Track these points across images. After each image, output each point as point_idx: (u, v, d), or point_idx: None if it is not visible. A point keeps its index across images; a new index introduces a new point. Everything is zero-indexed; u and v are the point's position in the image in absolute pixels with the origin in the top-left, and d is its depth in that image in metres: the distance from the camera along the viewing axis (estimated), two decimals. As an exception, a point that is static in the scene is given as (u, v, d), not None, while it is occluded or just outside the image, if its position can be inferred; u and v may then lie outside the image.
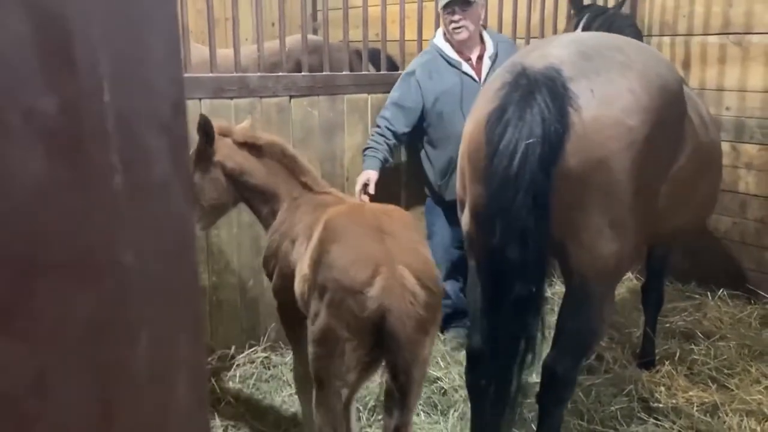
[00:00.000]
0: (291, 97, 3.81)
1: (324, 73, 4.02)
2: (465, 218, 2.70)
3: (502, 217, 2.33)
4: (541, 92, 2.30)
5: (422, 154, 4.01)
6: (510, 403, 2.57)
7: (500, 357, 2.53)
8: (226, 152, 2.78)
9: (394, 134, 3.79)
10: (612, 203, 2.38)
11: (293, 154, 2.88)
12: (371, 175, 3.62)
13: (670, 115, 2.54)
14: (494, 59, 3.85)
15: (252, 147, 2.82)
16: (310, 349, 2.34)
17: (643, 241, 2.72)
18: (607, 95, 2.36)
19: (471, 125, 2.60)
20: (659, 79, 2.51)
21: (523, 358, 2.54)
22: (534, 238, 2.33)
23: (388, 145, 3.75)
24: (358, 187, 3.60)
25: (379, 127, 3.80)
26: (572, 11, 4.30)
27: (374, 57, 4.36)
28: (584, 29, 3.91)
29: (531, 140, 2.26)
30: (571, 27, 4.07)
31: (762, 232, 4.61)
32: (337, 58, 4.19)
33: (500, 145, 2.31)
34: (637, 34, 3.92)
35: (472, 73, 3.83)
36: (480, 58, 3.87)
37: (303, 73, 3.89)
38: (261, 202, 2.86)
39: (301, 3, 3.91)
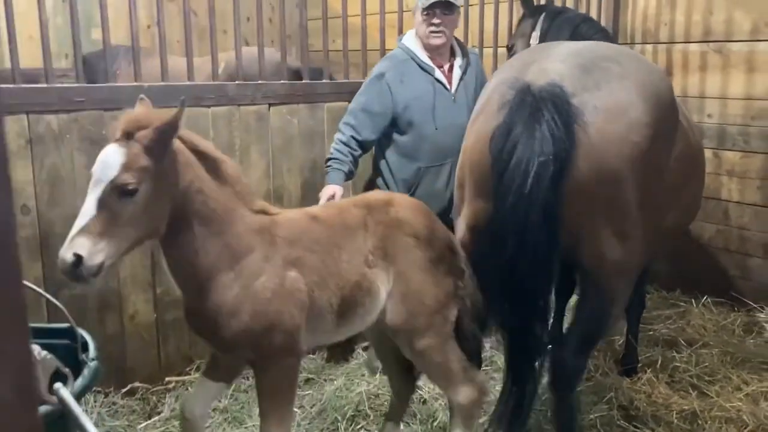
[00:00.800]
0: (270, 105, 3.80)
1: (303, 81, 4.02)
2: (460, 227, 2.71)
3: (515, 233, 2.34)
4: (548, 109, 2.31)
5: (382, 164, 3.72)
6: (522, 410, 2.63)
7: (510, 366, 2.61)
8: (183, 160, 2.17)
9: (360, 144, 3.53)
10: (619, 214, 2.44)
11: (245, 181, 2.42)
12: (336, 191, 3.35)
13: (666, 124, 2.58)
14: (465, 69, 3.72)
15: (207, 159, 2.26)
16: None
17: (651, 240, 2.75)
18: (610, 110, 2.38)
19: (472, 139, 2.58)
20: (655, 90, 2.56)
21: (532, 364, 2.62)
22: (545, 252, 2.36)
23: (353, 156, 3.50)
24: (322, 202, 3.27)
25: (343, 135, 3.51)
26: (525, 12, 4.17)
27: (315, 73, 4.25)
28: (542, 31, 3.89)
29: (542, 158, 2.27)
30: (528, 28, 4.02)
31: (745, 238, 4.61)
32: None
33: (510, 163, 2.31)
34: (609, 40, 3.87)
35: (444, 81, 3.65)
36: (451, 67, 3.72)
37: (282, 81, 3.88)
38: (211, 235, 2.22)
39: (279, 12, 3.91)
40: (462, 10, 4.48)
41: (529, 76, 2.44)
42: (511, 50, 4.19)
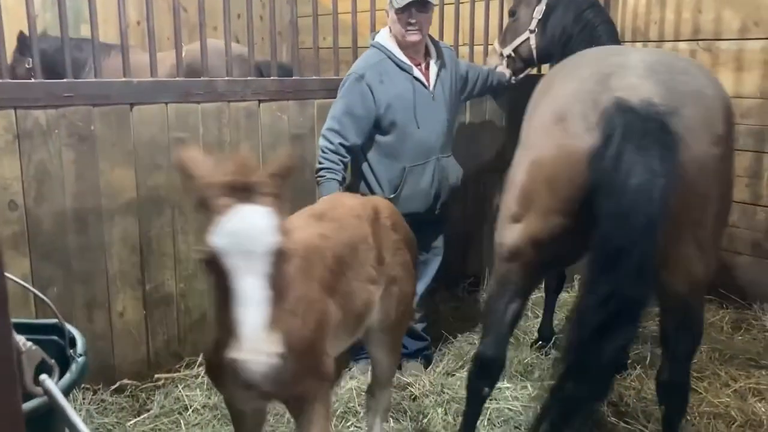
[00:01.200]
0: (260, 101, 3.79)
1: (294, 77, 4.02)
2: (514, 233, 2.63)
3: (641, 255, 2.24)
4: (657, 129, 2.26)
5: (364, 166, 3.63)
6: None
7: (582, 387, 2.46)
8: None
9: (348, 149, 3.46)
10: (703, 228, 2.43)
11: None
12: None
13: (732, 134, 2.60)
14: (440, 66, 3.68)
15: None
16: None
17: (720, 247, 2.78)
18: (698, 129, 2.37)
19: (554, 153, 2.48)
20: (725, 102, 2.56)
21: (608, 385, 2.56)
22: (653, 274, 2.31)
23: (343, 163, 3.45)
24: None
25: (331, 143, 3.44)
26: None
27: (265, 66, 4.19)
28: (549, 5, 3.88)
29: (663, 180, 2.22)
30: (532, 4, 3.98)
31: (734, 236, 4.63)
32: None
33: (631, 184, 2.22)
34: (613, 32, 3.86)
35: (423, 78, 3.61)
36: (427, 65, 3.66)
37: (272, 78, 3.87)
38: None
39: (269, 9, 3.90)
40: (453, 8, 4.50)
41: (618, 92, 2.36)
42: (513, 15, 4.16)
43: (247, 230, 1.62)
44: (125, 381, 3.55)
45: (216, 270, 1.63)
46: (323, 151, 3.45)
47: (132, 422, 3.31)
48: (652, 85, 2.39)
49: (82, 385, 3.37)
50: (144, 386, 3.58)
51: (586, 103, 2.43)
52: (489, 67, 4.22)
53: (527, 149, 2.67)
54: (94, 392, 3.44)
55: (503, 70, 4.20)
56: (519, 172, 2.65)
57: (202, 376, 3.66)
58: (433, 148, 3.62)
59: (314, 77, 4.03)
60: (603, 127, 2.32)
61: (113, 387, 3.51)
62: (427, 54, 3.69)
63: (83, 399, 3.38)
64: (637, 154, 2.23)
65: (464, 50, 4.67)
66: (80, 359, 2.09)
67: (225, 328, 1.67)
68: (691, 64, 2.71)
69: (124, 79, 3.44)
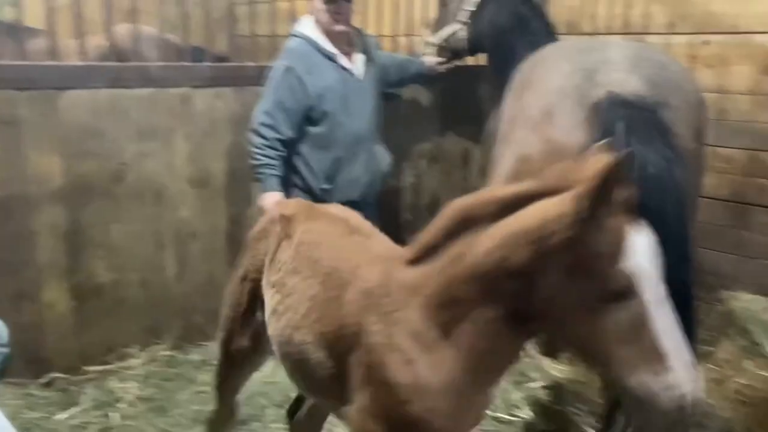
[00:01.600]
0: (195, 87, 3.71)
1: (231, 63, 3.96)
2: None
3: (678, 245, 2.19)
4: (656, 120, 2.28)
5: (296, 159, 3.54)
6: None
7: None
8: None
9: (284, 143, 3.40)
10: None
11: None
12: (280, 197, 3.31)
13: (706, 131, 2.65)
14: (366, 55, 3.66)
15: None
16: None
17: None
18: (682, 124, 2.40)
19: (540, 148, 2.45)
20: (700, 96, 2.62)
21: None
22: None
23: (281, 158, 3.39)
24: (270, 210, 3.03)
25: (265, 138, 3.37)
26: None
27: (197, 53, 4.11)
28: (480, 2, 3.89)
29: (678, 164, 2.23)
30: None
31: (701, 233, 4.71)
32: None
33: (649, 174, 2.19)
34: (548, 26, 3.90)
35: (351, 67, 3.57)
36: (353, 53, 3.62)
37: (208, 63, 3.81)
38: None
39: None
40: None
41: (609, 87, 2.37)
42: (445, 5, 4.16)
43: (654, 250, 1.45)
44: (55, 374, 3.45)
45: (618, 298, 1.41)
46: (258, 148, 3.38)
47: (61, 417, 3.21)
48: (638, 80, 2.41)
49: (9, 380, 3.25)
50: (75, 379, 3.48)
51: (573, 99, 2.43)
52: (411, 56, 4.22)
53: (511, 144, 2.63)
54: (22, 387, 3.33)
55: (431, 59, 4.21)
56: (503, 167, 2.61)
57: (136, 368, 3.59)
58: (364, 137, 3.62)
59: (251, 63, 3.98)
60: (599, 121, 2.31)
61: (42, 381, 3.41)
62: (352, 43, 3.66)
63: (10, 394, 3.26)
64: (645, 145, 2.23)
65: (403, 40, 4.68)
66: (2, 350, 2.01)
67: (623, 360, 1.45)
68: (669, 59, 2.75)
69: (52, 62, 3.33)
